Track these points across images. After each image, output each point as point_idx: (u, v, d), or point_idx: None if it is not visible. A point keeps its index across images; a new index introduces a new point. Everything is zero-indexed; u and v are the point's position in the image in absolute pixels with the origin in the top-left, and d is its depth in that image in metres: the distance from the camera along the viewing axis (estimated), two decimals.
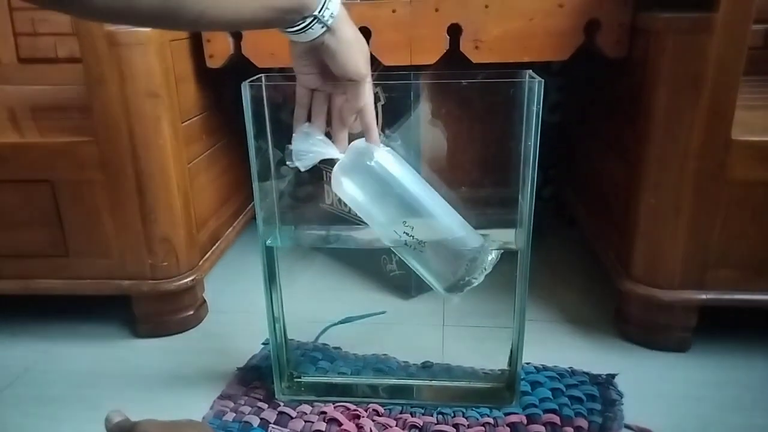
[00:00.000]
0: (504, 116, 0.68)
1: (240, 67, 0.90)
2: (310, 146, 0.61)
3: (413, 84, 0.73)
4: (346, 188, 0.64)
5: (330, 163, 0.64)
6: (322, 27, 0.55)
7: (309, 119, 0.63)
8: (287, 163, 0.63)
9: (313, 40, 0.56)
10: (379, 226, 0.65)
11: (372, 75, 0.61)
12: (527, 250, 0.65)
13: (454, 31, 0.86)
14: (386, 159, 0.64)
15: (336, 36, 0.56)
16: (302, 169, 0.62)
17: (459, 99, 0.76)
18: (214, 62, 0.94)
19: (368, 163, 0.63)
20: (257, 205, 0.68)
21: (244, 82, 0.63)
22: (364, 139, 0.63)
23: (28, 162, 0.84)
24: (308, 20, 0.54)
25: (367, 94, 0.60)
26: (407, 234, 0.64)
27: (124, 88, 0.80)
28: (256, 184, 0.67)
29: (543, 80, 0.59)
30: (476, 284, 0.64)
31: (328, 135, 0.64)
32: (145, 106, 0.82)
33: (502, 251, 0.65)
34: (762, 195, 0.74)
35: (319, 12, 0.54)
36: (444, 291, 0.65)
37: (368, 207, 0.64)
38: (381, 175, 0.63)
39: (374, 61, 0.90)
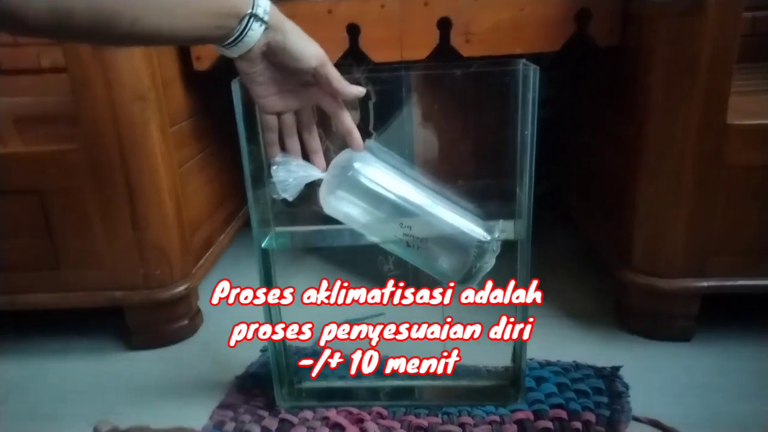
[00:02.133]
0: (499, 107, 0.67)
1: (228, 69, 0.88)
2: (289, 175, 0.60)
3: (405, 79, 0.71)
4: (336, 205, 0.63)
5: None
6: (261, 24, 0.54)
7: (280, 143, 0.62)
8: (275, 196, 0.62)
9: (257, 43, 0.54)
10: (378, 235, 0.64)
11: (361, 71, 0.60)
12: (528, 241, 0.64)
13: (444, 24, 0.85)
14: (370, 167, 0.62)
15: (280, 30, 0.55)
16: (290, 199, 0.61)
17: (452, 92, 0.75)
18: (202, 64, 0.92)
19: (351, 175, 0.61)
20: (251, 207, 0.67)
21: (233, 80, 0.62)
22: (343, 153, 0.62)
23: (14, 172, 0.82)
24: (245, 21, 0.53)
25: (336, 76, 0.58)
26: (406, 234, 0.63)
27: (110, 93, 0.78)
28: (249, 185, 0.65)
29: (538, 67, 0.58)
30: (489, 269, 0.62)
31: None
32: (133, 111, 0.80)
33: (502, 242, 0.64)
34: (760, 178, 0.74)
35: (252, 9, 0.53)
36: (459, 283, 0.64)
37: (362, 219, 0.63)
38: (367, 185, 0.62)
39: (363, 59, 0.89)
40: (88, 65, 0.77)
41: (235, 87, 0.62)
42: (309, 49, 0.56)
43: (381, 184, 0.63)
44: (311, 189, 0.64)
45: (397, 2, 0.85)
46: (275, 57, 0.56)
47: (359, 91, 0.59)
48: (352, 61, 0.93)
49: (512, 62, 0.62)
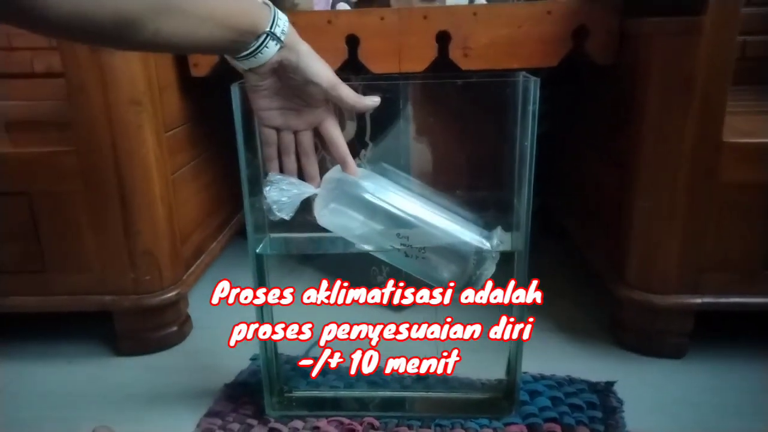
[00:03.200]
0: (497, 119, 0.67)
1: (225, 76, 0.88)
2: (283, 194, 0.60)
3: (403, 90, 0.71)
4: (331, 218, 0.63)
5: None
6: (277, 44, 0.55)
7: (279, 157, 0.62)
8: (271, 217, 0.61)
9: (270, 60, 0.55)
10: (375, 246, 0.64)
11: (359, 80, 0.60)
12: (525, 252, 0.64)
13: (443, 38, 0.86)
14: (364, 179, 0.63)
15: (294, 50, 0.56)
16: (287, 218, 0.61)
17: (450, 104, 0.76)
18: (199, 71, 0.92)
19: (346, 189, 0.62)
20: (247, 212, 0.66)
21: (233, 84, 0.61)
22: (336, 167, 0.63)
23: (4, 173, 0.81)
24: (261, 38, 0.54)
25: (349, 93, 0.59)
26: (404, 245, 0.62)
27: (106, 96, 0.78)
28: (245, 189, 0.64)
29: (539, 79, 0.59)
30: (489, 276, 0.62)
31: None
32: (128, 115, 0.79)
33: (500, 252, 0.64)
34: (754, 197, 0.74)
35: (271, 28, 0.54)
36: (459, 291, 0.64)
37: (358, 231, 0.63)
38: (362, 197, 0.62)
39: (362, 69, 0.89)
40: (86, 69, 0.76)
41: (235, 91, 0.61)
42: (321, 71, 0.57)
43: (376, 195, 0.63)
44: (306, 198, 0.64)
45: (396, 15, 0.85)
46: (285, 73, 0.57)
47: (374, 101, 0.60)
48: (349, 73, 0.93)
49: (512, 74, 0.63)
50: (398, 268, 0.67)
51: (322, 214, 0.62)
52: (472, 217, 0.65)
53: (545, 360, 0.82)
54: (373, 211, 0.62)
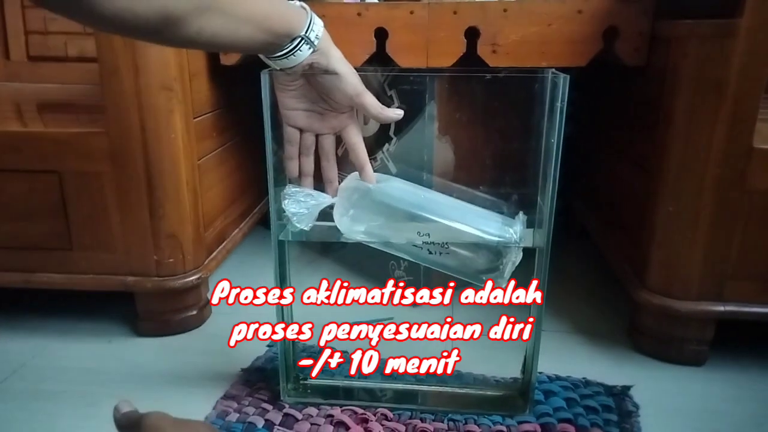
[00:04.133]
0: (524, 116, 0.67)
1: (254, 65, 0.89)
2: (302, 206, 0.62)
3: (428, 84, 0.72)
4: (351, 225, 0.64)
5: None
6: (310, 48, 0.56)
7: (299, 156, 0.64)
8: (291, 230, 0.63)
9: (301, 63, 0.57)
10: (397, 247, 0.65)
11: (387, 71, 0.61)
12: (547, 249, 0.63)
13: (472, 34, 0.85)
14: (379, 184, 0.63)
15: (325, 55, 0.57)
16: (307, 228, 0.62)
17: (475, 100, 0.76)
18: (229, 59, 0.93)
19: (364, 195, 0.63)
20: (271, 198, 0.66)
21: (262, 71, 0.62)
22: (351, 175, 0.64)
23: (36, 152, 0.83)
24: (296, 41, 0.55)
25: (374, 103, 0.60)
26: (426, 243, 0.63)
27: (138, 80, 0.79)
28: (271, 175, 0.65)
29: (568, 76, 0.58)
30: (517, 263, 0.62)
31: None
32: (159, 99, 0.81)
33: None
34: None
35: (306, 32, 0.55)
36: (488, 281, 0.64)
37: (380, 235, 0.64)
38: (380, 201, 0.63)
39: (390, 63, 0.90)
40: (119, 53, 0.78)
41: (264, 78, 0.62)
42: (348, 77, 0.58)
43: (394, 197, 0.63)
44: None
45: (426, 9, 0.85)
46: (314, 77, 0.59)
47: (397, 114, 0.61)
48: (376, 66, 0.94)
49: (541, 70, 0.63)
50: (416, 263, 0.67)
51: (343, 222, 0.64)
52: (495, 206, 0.65)
53: (561, 361, 0.81)
54: (392, 213, 0.63)
